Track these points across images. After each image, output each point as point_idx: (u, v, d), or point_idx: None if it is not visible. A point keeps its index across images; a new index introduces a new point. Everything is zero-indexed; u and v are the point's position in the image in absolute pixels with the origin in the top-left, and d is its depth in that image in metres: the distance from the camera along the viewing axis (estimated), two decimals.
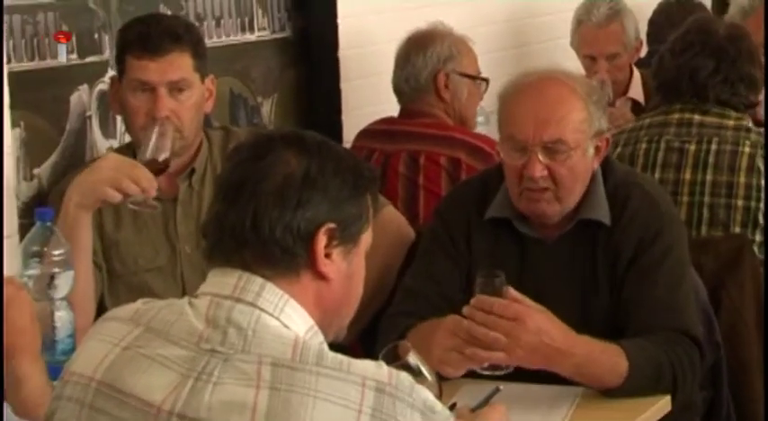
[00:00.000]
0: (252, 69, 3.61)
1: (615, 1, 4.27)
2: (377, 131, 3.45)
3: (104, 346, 1.60)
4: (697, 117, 3.17)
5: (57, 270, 2.31)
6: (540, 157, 2.43)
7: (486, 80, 3.47)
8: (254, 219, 1.58)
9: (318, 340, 1.60)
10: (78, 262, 2.47)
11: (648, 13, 4.75)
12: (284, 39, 3.73)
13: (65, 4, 3.02)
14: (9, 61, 2.82)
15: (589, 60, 4.24)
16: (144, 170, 2.50)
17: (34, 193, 2.92)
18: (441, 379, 2.03)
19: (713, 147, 3.12)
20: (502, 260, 2.52)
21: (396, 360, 1.89)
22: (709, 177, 3.10)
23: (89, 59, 3.08)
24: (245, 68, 3.59)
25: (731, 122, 3.15)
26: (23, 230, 2.69)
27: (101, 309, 2.61)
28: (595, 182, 2.54)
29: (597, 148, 2.51)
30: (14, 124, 2.84)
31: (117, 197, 2.48)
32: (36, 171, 2.95)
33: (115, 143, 3.11)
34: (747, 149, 3.10)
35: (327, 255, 1.60)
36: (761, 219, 3.08)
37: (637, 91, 4.27)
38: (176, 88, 2.66)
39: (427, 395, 1.55)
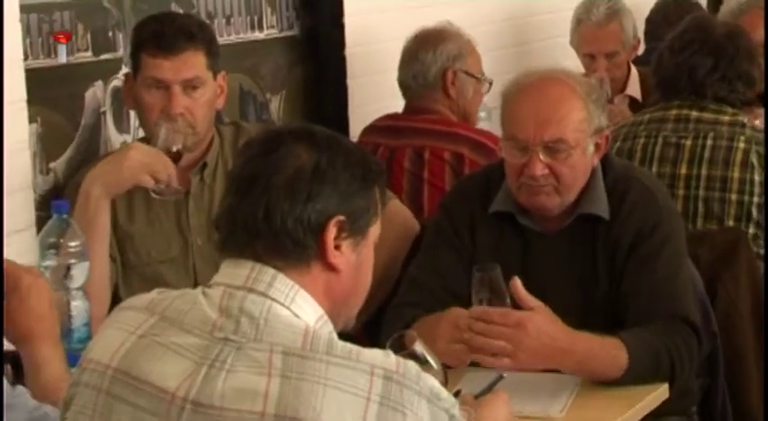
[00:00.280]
0: (261, 66, 3.62)
1: (614, 0, 4.26)
2: (382, 127, 3.45)
3: (121, 334, 1.60)
4: (694, 113, 3.17)
5: (73, 261, 2.32)
6: (541, 157, 2.44)
7: (489, 82, 3.47)
8: (265, 211, 1.58)
9: (328, 329, 1.60)
10: (96, 249, 2.50)
11: (646, 12, 4.75)
12: (292, 37, 3.73)
13: (80, 3, 3.02)
14: (26, 58, 2.83)
15: (588, 58, 4.24)
16: (167, 158, 2.57)
17: (50, 187, 2.92)
18: (445, 367, 2.04)
19: (709, 142, 3.12)
20: (505, 253, 2.52)
21: (402, 349, 1.89)
22: (704, 172, 3.10)
23: (103, 57, 3.09)
24: (255, 66, 3.59)
25: (727, 118, 3.15)
26: (40, 223, 2.69)
27: (115, 300, 2.63)
28: (595, 177, 2.54)
29: (597, 146, 2.51)
30: (31, 119, 2.84)
31: (150, 182, 2.56)
32: (52, 165, 2.95)
33: (129, 138, 3.11)
34: (742, 145, 3.10)
35: (337, 247, 1.60)
36: (754, 213, 3.08)
37: (634, 88, 4.27)
38: (190, 86, 2.67)
39: (433, 383, 1.55)
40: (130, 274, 2.74)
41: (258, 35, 3.60)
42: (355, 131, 3.65)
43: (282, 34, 3.69)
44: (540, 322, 2.26)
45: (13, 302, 1.99)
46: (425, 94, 3.40)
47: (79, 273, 2.33)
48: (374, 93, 3.80)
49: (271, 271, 1.58)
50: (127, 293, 2.66)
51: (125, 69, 2.98)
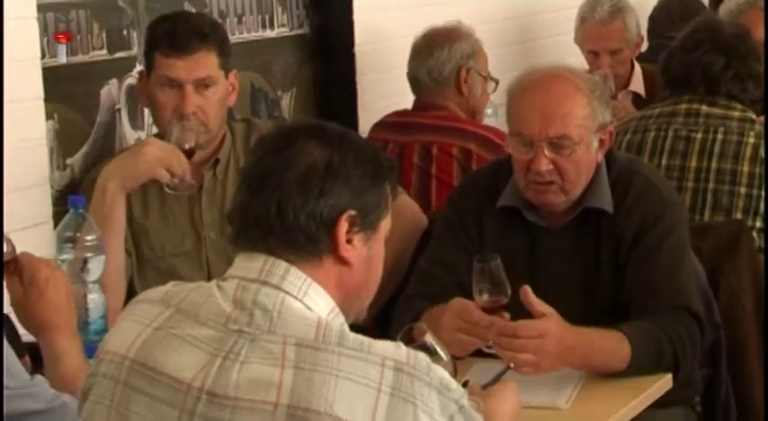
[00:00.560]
0: (272, 64, 3.62)
1: None
2: (391, 123, 3.45)
3: (137, 327, 1.60)
4: (704, 108, 3.18)
5: (89, 254, 2.33)
6: (546, 152, 2.44)
7: (496, 81, 3.47)
8: (278, 207, 1.58)
9: (340, 321, 1.60)
10: (112, 242, 2.51)
11: (649, 10, 4.74)
12: (303, 35, 3.73)
13: (95, 2, 3.02)
14: (43, 57, 2.83)
15: (592, 55, 4.24)
16: (182, 154, 2.59)
17: (67, 182, 2.93)
18: (453, 358, 2.04)
19: (719, 136, 3.12)
20: (511, 247, 2.52)
21: (412, 341, 1.89)
22: (714, 165, 3.10)
23: (118, 55, 3.09)
24: (266, 63, 3.59)
25: (737, 114, 3.16)
26: (57, 217, 2.70)
27: (130, 293, 2.63)
28: (599, 171, 2.54)
29: (601, 141, 2.51)
30: (48, 116, 2.85)
31: (166, 176, 2.58)
32: (69, 161, 2.96)
33: (143, 135, 3.11)
34: (752, 140, 3.10)
35: (349, 241, 1.60)
36: (762, 207, 3.08)
37: (638, 84, 4.26)
38: (202, 85, 2.68)
39: (443, 374, 1.55)
40: (145, 268, 2.74)
41: (269, 33, 3.60)
42: (365, 128, 3.65)
43: (293, 32, 3.69)
44: (554, 327, 2.26)
45: (32, 294, 2.00)
46: (437, 90, 3.40)
47: (95, 267, 2.33)
48: (383, 89, 3.80)
49: (284, 264, 1.58)
50: (142, 286, 2.66)
51: (139, 67, 2.98)
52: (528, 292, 2.26)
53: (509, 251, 2.50)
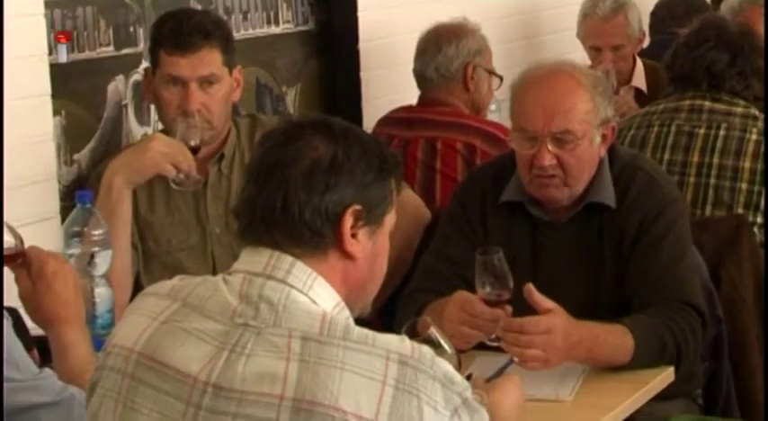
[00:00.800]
0: (277, 60, 3.61)
1: None
2: (396, 119, 3.45)
3: (144, 320, 1.60)
4: (707, 103, 3.18)
5: (96, 249, 2.33)
6: (549, 147, 2.44)
7: (500, 77, 3.47)
8: (284, 201, 1.58)
9: (345, 315, 1.60)
10: (119, 237, 2.51)
11: (651, 6, 4.73)
12: (307, 31, 3.73)
13: (102, 0, 3.02)
14: (50, 53, 2.83)
15: (594, 51, 4.23)
16: (187, 149, 2.59)
17: (74, 177, 2.93)
18: (458, 351, 2.03)
19: (722, 132, 3.12)
20: (515, 242, 2.53)
21: (417, 334, 1.89)
22: (716, 160, 3.10)
23: (125, 51, 3.09)
24: (271, 59, 3.59)
25: (739, 110, 3.16)
26: (65, 212, 2.70)
27: (137, 287, 2.64)
28: (602, 167, 2.54)
29: (604, 136, 2.51)
30: (56, 112, 2.85)
31: (172, 171, 2.58)
32: (76, 156, 2.96)
33: (149, 130, 3.11)
34: (754, 136, 3.10)
35: (353, 236, 1.60)
36: (763, 203, 3.08)
37: (640, 80, 4.26)
38: (206, 82, 2.68)
39: (447, 367, 1.55)
40: (151, 262, 2.75)
41: (274, 30, 3.60)
42: (369, 123, 3.65)
43: (298, 29, 3.69)
44: (560, 323, 2.25)
45: (40, 288, 2.00)
46: (444, 86, 3.39)
47: (102, 261, 2.33)
48: (387, 85, 3.79)
49: (289, 258, 1.58)
50: (148, 280, 2.67)
51: (145, 64, 2.98)
52: (532, 290, 2.25)
53: (513, 246, 2.50)
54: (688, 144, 3.15)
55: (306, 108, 3.71)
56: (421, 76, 3.42)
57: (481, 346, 2.36)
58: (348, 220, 1.59)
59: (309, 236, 1.58)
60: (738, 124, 3.13)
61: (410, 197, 3.02)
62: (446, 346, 1.91)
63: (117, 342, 1.61)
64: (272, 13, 3.58)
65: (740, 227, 2.87)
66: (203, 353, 1.54)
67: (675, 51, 3.26)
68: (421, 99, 3.46)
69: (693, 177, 3.13)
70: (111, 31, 3.04)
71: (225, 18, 3.29)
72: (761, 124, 3.13)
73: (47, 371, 1.92)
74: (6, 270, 2.03)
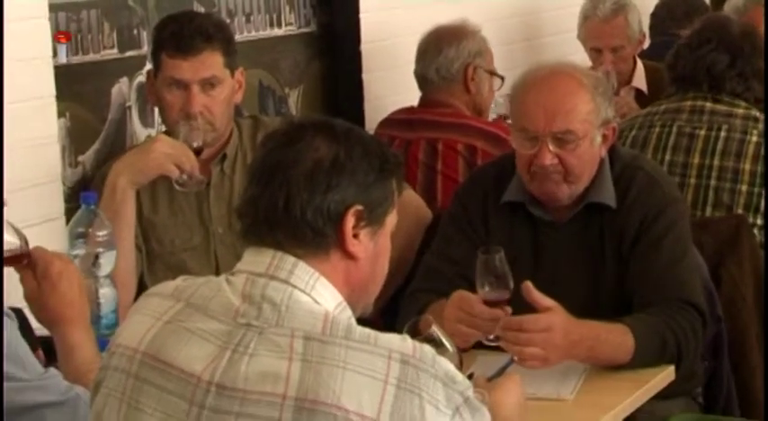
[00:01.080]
0: (280, 62, 3.62)
1: None
2: (397, 120, 3.45)
3: (148, 320, 1.60)
4: (708, 104, 3.17)
5: (100, 250, 2.33)
6: (551, 147, 2.44)
7: (502, 78, 3.47)
8: (286, 201, 1.58)
9: (347, 315, 1.60)
10: (123, 237, 2.52)
11: (651, 7, 4.73)
12: (310, 33, 3.73)
13: (106, 2, 3.03)
14: (55, 55, 2.83)
15: (595, 52, 4.23)
16: (190, 150, 2.60)
17: (79, 179, 2.93)
18: (459, 350, 2.03)
19: (722, 134, 3.12)
20: (517, 242, 2.53)
21: (419, 333, 1.89)
22: (716, 162, 3.10)
23: (128, 54, 3.09)
24: (274, 61, 3.59)
25: (740, 111, 3.15)
26: (69, 213, 2.70)
27: (140, 287, 2.64)
28: (603, 167, 2.54)
29: (604, 137, 2.51)
30: (60, 114, 2.85)
31: (175, 172, 2.59)
32: (80, 158, 2.96)
33: (153, 132, 3.11)
34: (755, 138, 3.10)
35: (355, 236, 1.60)
36: (763, 205, 3.08)
37: (640, 81, 4.26)
38: (208, 84, 2.69)
39: (449, 366, 1.55)
40: (155, 263, 2.75)
41: (277, 32, 3.60)
42: (371, 124, 3.65)
43: (300, 31, 3.69)
44: (560, 322, 2.25)
45: (45, 288, 2.01)
46: (444, 88, 3.40)
47: (107, 262, 2.34)
48: (389, 86, 3.80)
49: (291, 259, 1.58)
50: (152, 281, 2.67)
51: (149, 66, 2.99)
52: (530, 289, 2.25)
53: (514, 246, 2.50)
54: (689, 145, 3.15)
55: (308, 109, 3.71)
56: (422, 78, 3.42)
57: (482, 346, 2.36)
58: (350, 221, 1.59)
59: (311, 236, 1.58)
60: (739, 126, 3.13)
61: (411, 197, 3.02)
62: (448, 345, 1.91)
63: (121, 342, 1.62)
64: (274, 16, 3.59)
65: (740, 227, 2.87)
66: (206, 352, 1.54)
67: (677, 52, 3.26)
68: (422, 100, 3.46)
69: (694, 178, 3.12)
70: (114, 34, 3.05)
71: (227, 20, 3.29)
72: (761, 126, 3.13)
73: (52, 370, 1.92)
74: (11, 271, 2.03)
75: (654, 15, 4.70)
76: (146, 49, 3.09)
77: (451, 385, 1.53)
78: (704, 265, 2.70)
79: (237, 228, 1.65)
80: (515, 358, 2.19)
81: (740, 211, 3.06)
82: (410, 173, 3.33)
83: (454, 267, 2.53)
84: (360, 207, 1.59)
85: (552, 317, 2.24)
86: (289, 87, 3.66)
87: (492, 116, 3.55)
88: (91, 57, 2.99)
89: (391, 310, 2.63)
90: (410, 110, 3.47)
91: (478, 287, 2.28)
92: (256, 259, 1.60)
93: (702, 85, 3.19)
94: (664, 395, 2.39)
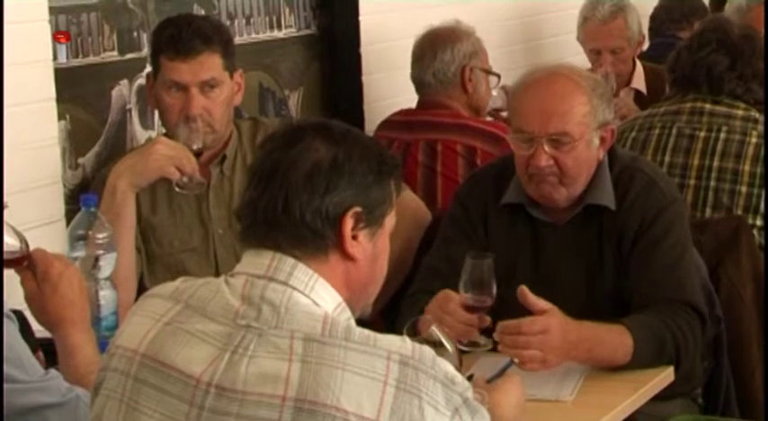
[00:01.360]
0: (279, 64, 3.62)
1: None
2: (396, 122, 3.45)
3: (147, 322, 1.60)
4: (708, 106, 3.17)
5: (100, 252, 2.33)
6: (546, 148, 2.44)
7: (498, 76, 3.47)
8: (285, 203, 1.58)
9: (346, 316, 1.60)
10: (123, 239, 2.52)
11: (650, 9, 4.73)
12: (310, 35, 3.73)
13: (106, 5, 3.03)
14: (55, 58, 2.83)
15: (594, 54, 4.23)
16: (190, 152, 2.61)
17: (79, 181, 2.93)
18: (461, 352, 2.03)
19: (722, 135, 3.12)
20: (516, 243, 2.53)
21: (418, 334, 1.89)
22: (716, 163, 3.10)
23: (128, 56, 3.09)
24: (274, 63, 3.60)
25: (740, 112, 3.15)
26: (69, 216, 2.70)
27: (140, 289, 2.64)
28: (602, 168, 2.54)
29: (602, 139, 2.51)
30: (61, 117, 2.85)
31: (176, 174, 2.59)
32: (81, 160, 2.96)
33: (153, 134, 3.12)
34: (754, 140, 3.10)
35: (354, 237, 1.60)
36: (762, 206, 3.07)
37: (639, 82, 4.26)
38: (207, 87, 2.69)
39: (448, 367, 1.55)
40: (154, 264, 2.75)
41: (277, 34, 3.60)
42: (370, 126, 3.65)
43: (300, 33, 3.70)
44: (557, 323, 2.25)
45: (45, 290, 2.01)
46: (443, 91, 3.40)
47: (107, 264, 2.33)
48: (388, 88, 3.80)
49: (291, 260, 1.58)
50: (152, 282, 2.67)
51: (149, 68, 2.99)
52: (526, 292, 2.25)
53: (514, 247, 2.51)
54: (688, 147, 3.15)
55: (308, 111, 3.71)
56: (419, 82, 3.43)
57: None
58: (349, 222, 1.59)
59: (310, 237, 1.58)
60: (739, 127, 3.13)
61: (410, 199, 3.02)
62: (447, 346, 1.91)
63: (120, 343, 1.62)
64: (274, 18, 3.59)
65: (739, 227, 2.87)
66: (206, 354, 1.54)
67: (677, 54, 3.26)
68: (420, 103, 3.47)
69: (694, 180, 3.12)
70: (114, 36, 3.05)
71: (227, 23, 3.30)
72: (761, 127, 3.13)
73: (53, 372, 1.92)
74: (12, 273, 2.03)
75: (653, 17, 4.70)
76: (146, 51, 3.09)
77: (451, 386, 1.53)
78: (703, 266, 2.70)
79: (237, 230, 1.65)
80: (516, 360, 2.19)
81: (740, 213, 3.06)
82: (410, 174, 3.33)
83: (454, 268, 2.52)
84: (358, 208, 1.59)
85: (549, 320, 2.24)
86: (289, 89, 3.67)
87: (494, 99, 3.55)
88: (91, 59, 2.99)
89: (391, 311, 2.63)
90: (409, 111, 3.47)
91: (461, 290, 2.28)
92: (255, 261, 1.60)
93: (702, 86, 3.19)
94: (663, 396, 2.39)
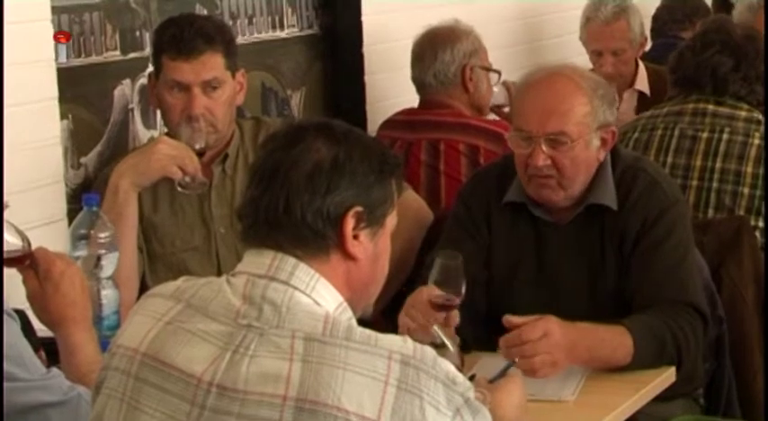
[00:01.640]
0: (282, 64, 3.62)
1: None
2: (399, 121, 3.46)
3: (148, 321, 1.60)
4: (711, 107, 3.17)
5: (102, 251, 2.33)
6: (544, 148, 2.44)
7: (498, 72, 3.47)
8: (286, 203, 1.58)
9: (347, 316, 1.60)
10: (125, 239, 2.52)
11: (652, 10, 4.73)
12: (312, 35, 3.73)
13: (108, 4, 3.03)
14: (58, 58, 2.83)
15: (596, 55, 4.23)
16: (192, 152, 2.61)
17: (81, 181, 2.94)
18: (463, 351, 2.03)
19: (725, 136, 3.12)
20: (518, 242, 2.53)
21: None
22: (718, 164, 3.10)
23: (131, 55, 3.09)
24: (276, 63, 3.60)
25: (743, 114, 3.15)
26: (71, 215, 2.70)
27: (142, 288, 2.64)
28: (604, 169, 2.53)
29: (603, 140, 2.50)
30: (63, 116, 2.85)
31: (178, 173, 2.59)
32: (83, 160, 2.96)
33: (156, 133, 3.12)
34: (757, 141, 3.10)
35: (355, 237, 1.60)
36: (764, 207, 3.07)
37: (642, 83, 4.25)
38: (209, 86, 2.68)
39: (449, 367, 1.55)
40: (156, 263, 2.75)
41: (279, 34, 3.60)
42: (373, 126, 3.65)
43: (303, 33, 3.70)
44: (557, 323, 2.25)
45: (47, 288, 2.01)
46: (443, 91, 3.40)
47: (109, 263, 2.34)
48: (391, 88, 3.80)
49: (292, 260, 1.58)
50: (153, 281, 2.67)
51: (151, 68, 2.99)
52: (511, 320, 2.24)
53: (517, 246, 2.51)
54: (691, 147, 3.15)
55: (311, 111, 3.72)
56: (420, 83, 3.43)
57: (484, 348, 2.36)
58: (350, 222, 1.59)
59: (312, 237, 1.58)
60: (741, 128, 3.13)
61: (412, 198, 3.02)
62: (449, 346, 1.91)
63: (122, 342, 1.62)
64: (277, 18, 3.59)
65: (741, 228, 2.86)
66: (207, 353, 1.54)
67: (680, 55, 3.26)
68: (422, 102, 3.47)
69: (696, 181, 3.12)
70: (117, 36, 3.05)
71: (229, 23, 3.30)
72: (764, 129, 3.12)
73: (54, 370, 1.92)
74: (14, 272, 2.03)
75: (655, 17, 4.69)
76: (148, 51, 3.09)
77: (452, 386, 1.53)
78: (705, 267, 2.70)
79: (239, 229, 1.65)
80: (517, 359, 2.18)
81: (742, 214, 3.06)
82: (413, 174, 3.33)
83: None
84: (360, 208, 1.59)
85: (547, 323, 2.24)
86: (291, 89, 3.67)
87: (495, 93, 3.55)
88: (93, 58, 2.99)
89: (392, 311, 2.63)
90: (411, 111, 3.47)
91: (428, 287, 2.24)
92: (257, 260, 1.60)
93: (706, 87, 3.18)
94: (665, 396, 2.39)
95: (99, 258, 2.32)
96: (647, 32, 4.45)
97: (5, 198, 2.00)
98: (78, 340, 2.00)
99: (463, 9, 3.79)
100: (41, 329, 2.12)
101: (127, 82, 3.08)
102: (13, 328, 1.88)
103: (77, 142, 2.94)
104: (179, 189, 2.64)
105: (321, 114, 3.73)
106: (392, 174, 1.64)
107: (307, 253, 1.58)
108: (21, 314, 2.04)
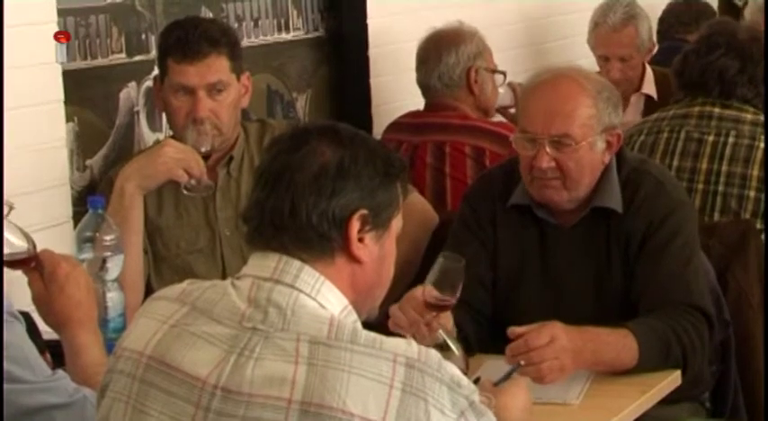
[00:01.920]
0: (287, 67, 3.62)
1: (630, 6, 4.23)
2: (404, 124, 3.46)
3: (154, 324, 1.60)
4: (717, 110, 3.16)
5: (108, 254, 2.34)
6: (548, 150, 2.44)
7: (504, 73, 3.47)
8: (291, 206, 1.58)
9: (352, 319, 1.60)
10: (130, 241, 2.53)
11: (658, 12, 4.72)
12: (317, 38, 3.74)
13: (114, 7, 3.04)
14: (58, 58, 2.83)
15: (603, 60, 4.22)
16: (198, 155, 2.61)
17: (87, 183, 2.94)
18: (468, 355, 2.03)
19: (731, 139, 3.11)
20: (524, 244, 2.53)
21: None
22: (724, 168, 3.09)
23: (137, 58, 3.10)
24: (282, 66, 3.60)
25: (749, 116, 3.14)
26: (77, 218, 2.71)
27: (147, 290, 2.64)
28: (610, 172, 2.53)
29: (608, 143, 2.49)
30: (69, 119, 2.86)
31: (184, 176, 2.60)
32: (88, 162, 2.97)
33: (161, 136, 3.12)
34: (763, 144, 3.09)
35: (361, 240, 1.60)
36: None
37: (650, 87, 4.24)
38: (215, 89, 2.69)
39: (454, 370, 1.55)
40: (161, 265, 2.75)
41: (285, 37, 3.61)
42: (378, 128, 3.65)
43: (308, 36, 3.70)
44: (562, 327, 2.25)
45: (53, 290, 2.01)
46: (448, 93, 3.40)
47: (114, 266, 2.34)
48: (396, 91, 3.80)
49: (297, 263, 1.58)
50: (158, 284, 2.67)
51: (157, 71, 2.99)
52: (514, 329, 2.24)
53: (522, 248, 2.51)
54: (697, 151, 3.15)
55: (316, 114, 3.72)
56: (425, 86, 3.43)
57: (489, 350, 2.36)
58: (355, 225, 1.59)
59: (317, 240, 1.58)
60: (747, 132, 3.12)
61: (417, 201, 3.02)
62: (454, 348, 1.91)
63: (127, 345, 1.62)
64: (282, 21, 3.59)
65: (747, 232, 2.86)
66: (212, 356, 1.54)
67: (685, 58, 3.25)
68: (427, 105, 3.47)
69: (702, 184, 3.12)
70: (123, 39, 3.06)
71: (235, 25, 3.30)
72: (761, 130, 3.12)
73: (60, 372, 1.93)
74: (19, 273, 2.04)
75: (661, 20, 4.69)
76: (154, 53, 3.10)
77: (457, 389, 1.53)
78: (711, 270, 2.69)
79: (244, 231, 1.65)
80: (522, 362, 2.18)
81: (748, 217, 3.05)
82: (419, 176, 3.33)
83: (466, 269, 2.51)
84: (365, 211, 1.59)
85: (552, 328, 2.24)
86: (297, 92, 3.67)
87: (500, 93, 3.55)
88: (99, 61, 3.00)
89: None
90: (417, 113, 3.48)
91: (426, 286, 2.23)
92: (262, 263, 1.60)
93: (713, 90, 3.17)
94: (670, 400, 2.38)
95: (104, 261, 2.33)
96: (655, 38, 4.44)
97: (11, 200, 2.01)
98: (84, 342, 2.00)
99: (468, 11, 3.79)
100: (47, 331, 2.12)
101: (132, 85, 3.09)
102: (18, 330, 1.89)
103: (83, 145, 2.94)
104: (185, 192, 2.64)
105: (326, 117, 3.73)
106: (397, 176, 1.64)
107: (312, 255, 1.59)
108: (26, 316, 2.04)
